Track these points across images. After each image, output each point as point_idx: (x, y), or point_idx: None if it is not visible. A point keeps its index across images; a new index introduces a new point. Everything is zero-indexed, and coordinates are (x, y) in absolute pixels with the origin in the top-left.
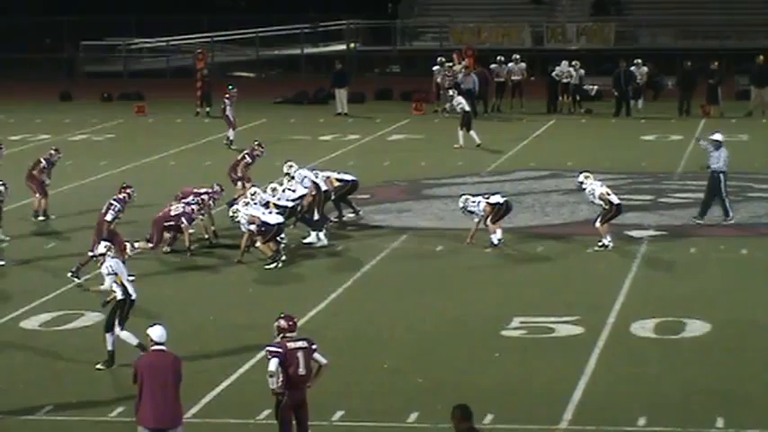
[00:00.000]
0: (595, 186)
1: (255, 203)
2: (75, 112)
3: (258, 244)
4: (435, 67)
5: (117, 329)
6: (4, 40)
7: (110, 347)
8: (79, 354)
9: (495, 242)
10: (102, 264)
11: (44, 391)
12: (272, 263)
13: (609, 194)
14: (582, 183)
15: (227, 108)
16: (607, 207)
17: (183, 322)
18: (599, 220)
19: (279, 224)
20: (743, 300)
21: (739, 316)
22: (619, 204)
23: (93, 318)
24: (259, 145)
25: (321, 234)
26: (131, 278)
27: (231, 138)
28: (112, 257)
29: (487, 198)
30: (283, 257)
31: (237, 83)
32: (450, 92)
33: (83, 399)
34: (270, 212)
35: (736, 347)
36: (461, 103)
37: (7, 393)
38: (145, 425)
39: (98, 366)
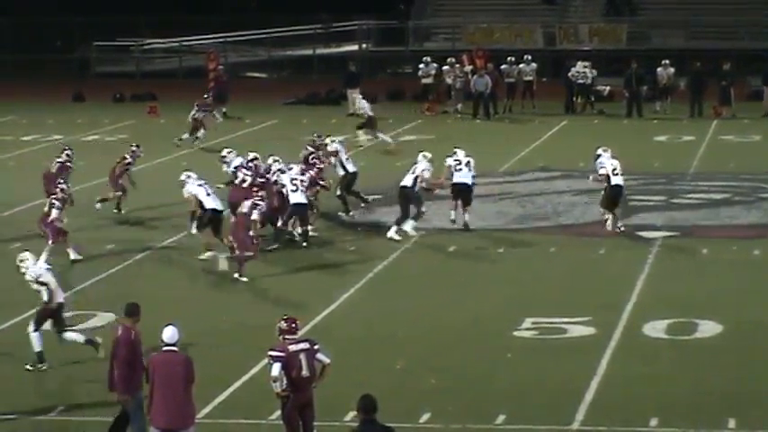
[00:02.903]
0: (605, 161)
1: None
2: (87, 113)
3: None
4: (445, 67)
5: (68, 335)
6: (17, 41)
7: (37, 349)
8: (91, 354)
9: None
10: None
11: (56, 392)
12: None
13: (612, 174)
14: (599, 155)
15: (197, 113)
16: (605, 184)
17: (194, 323)
18: (601, 202)
19: (215, 210)
20: (755, 301)
21: (752, 317)
22: (615, 185)
23: (105, 318)
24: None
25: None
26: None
27: (184, 138)
28: (36, 263)
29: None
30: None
31: (250, 83)
32: (355, 94)
33: (95, 399)
34: (210, 195)
35: (749, 348)
36: (364, 108)
37: (19, 394)
38: (156, 425)
39: (27, 367)
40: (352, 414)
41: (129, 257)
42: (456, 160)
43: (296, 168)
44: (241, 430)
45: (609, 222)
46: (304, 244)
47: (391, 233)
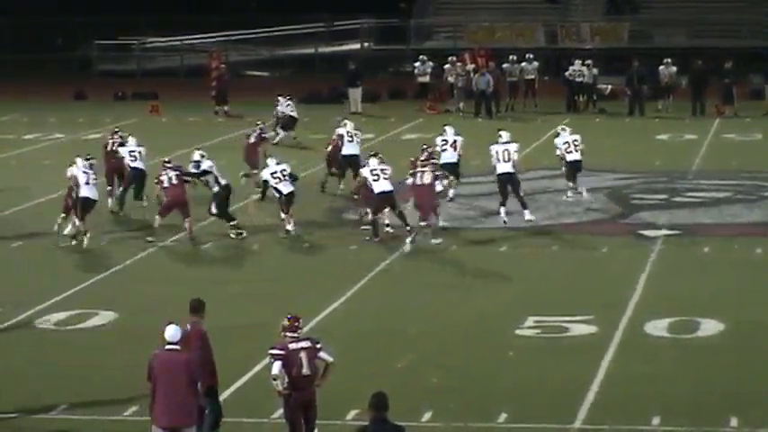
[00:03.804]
0: (559, 141)
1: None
2: (88, 112)
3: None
4: (447, 66)
5: None
6: (18, 41)
7: None
8: (93, 353)
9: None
10: None
11: (58, 390)
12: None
13: (567, 152)
14: (558, 134)
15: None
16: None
17: None
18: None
19: (87, 198)
20: (757, 299)
21: (753, 316)
22: (572, 161)
23: (107, 317)
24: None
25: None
26: None
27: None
28: None
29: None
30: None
31: (251, 82)
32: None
33: (97, 398)
34: (88, 184)
35: (751, 347)
36: (284, 111)
37: (22, 392)
38: (158, 424)
39: None
40: (353, 412)
41: (131, 256)
42: (443, 140)
43: (373, 160)
44: (243, 429)
45: (581, 190)
46: (407, 227)
47: (528, 216)
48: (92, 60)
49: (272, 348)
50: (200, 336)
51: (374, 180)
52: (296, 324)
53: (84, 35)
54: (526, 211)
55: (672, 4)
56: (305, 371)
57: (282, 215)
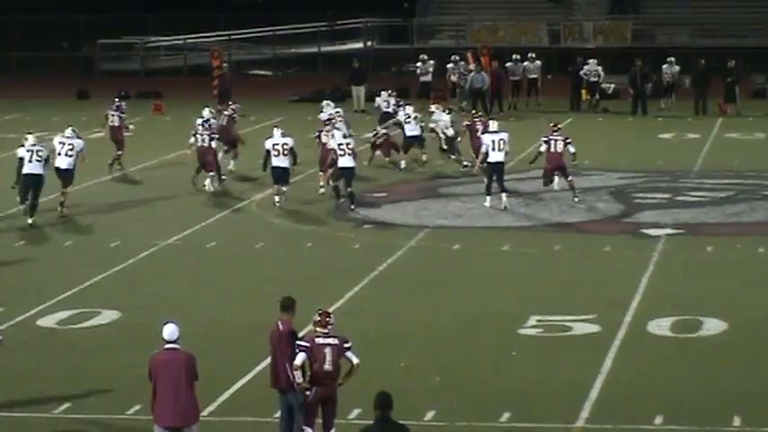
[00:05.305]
0: (440, 117)
1: None
2: (92, 111)
3: None
4: (449, 65)
5: None
6: (22, 39)
7: None
8: (96, 352)
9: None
10: None
11: (61, 389)
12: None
13: (446, 128)
14: (433, 112)
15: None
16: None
17: (198, 320)
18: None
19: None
20: (760, 298)
21: (756, 315)
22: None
23: (109, 316)
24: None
25: None
26: None
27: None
28: None
29: None
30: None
31: (255, 81)
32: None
33: (99, 396)
34: (31, 162)
35: (754, 346)
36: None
37: (25, 391)
38: (160, 423)
39: None
40: (357, 411)
41: (136, 254)
42: (406, 114)
43: (339, 135)
44: (245, 428)
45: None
46: (352, 207)
47: (505, 201)
48: (95, 60)
49: (300, 340)
50: (291, 334)
51: (341, 155)
52: (327, 320)
53: (87, 34)
54: (504, 195)
55: (675, 4)
56: (327, 367)
57: (274, 187)
